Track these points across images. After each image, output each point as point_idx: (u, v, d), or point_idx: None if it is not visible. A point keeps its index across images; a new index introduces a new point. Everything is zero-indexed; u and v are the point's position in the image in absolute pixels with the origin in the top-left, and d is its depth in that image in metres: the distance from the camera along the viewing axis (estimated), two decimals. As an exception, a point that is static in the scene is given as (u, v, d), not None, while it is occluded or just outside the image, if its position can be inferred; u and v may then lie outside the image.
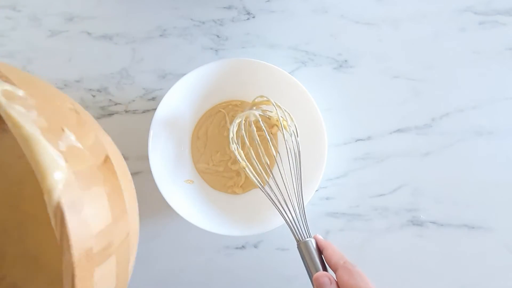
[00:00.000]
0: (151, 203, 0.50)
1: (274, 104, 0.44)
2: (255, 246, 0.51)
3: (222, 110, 0.50)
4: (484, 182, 0.51)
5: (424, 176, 0.51)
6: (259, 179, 0.43)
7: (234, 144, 0.43)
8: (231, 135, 0.43)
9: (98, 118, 0.52)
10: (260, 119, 0.44)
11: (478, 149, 0.51)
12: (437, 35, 0.53)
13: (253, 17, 0.53)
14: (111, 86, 0.52)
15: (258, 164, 0.44)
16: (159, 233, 0.51)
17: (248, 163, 0.44)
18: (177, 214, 0.45)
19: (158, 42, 0.53)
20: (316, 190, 0.49)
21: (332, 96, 0.52)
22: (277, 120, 0.46)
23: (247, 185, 0.49)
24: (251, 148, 0.44)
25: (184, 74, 0.46)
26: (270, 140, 0.43)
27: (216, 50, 0.53)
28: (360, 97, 0.52)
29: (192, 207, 0.47)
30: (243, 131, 0.44)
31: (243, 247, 0.51)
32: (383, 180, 0.51)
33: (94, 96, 0.52)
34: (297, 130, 0.44)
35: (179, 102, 0.48)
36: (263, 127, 0.44)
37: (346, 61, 0.53)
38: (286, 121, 0.44)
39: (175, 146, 0.49)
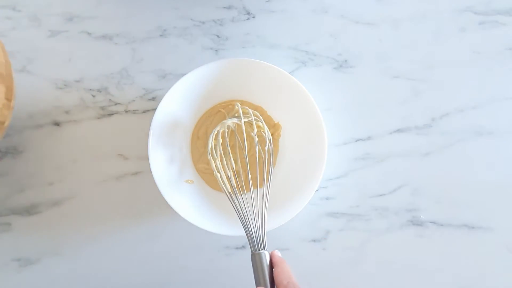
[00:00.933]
0: (151, 203, 0.50)
1: (241, 111, 0.46)
2: None
3: (222, 110, 0.50)
4: (484, 182, 0.51)
5: (424, 176, 0.52)
6: (227, 188, 0.44)
7: (209, 155, 0.45)
8: (208, 146, 0.45)
9: (98, 118, 0.52)
10: (225, 129, 0.46)
11: (478, 149, 0.52)
12: (437, 35, 0.53)
13: (253, 17, 0.54)
14: (111, 86, 0.52)
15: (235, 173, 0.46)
16: (159, 233, 0.51)
17: (219, 173, 0.45)
18: (177, 214, 0.45)
19: (158, 42, 0.53)
20: (316, 190, 0.49)
21: (332, 96, 0.53)
22: (250, 126, 0.48)
23: (247, 186, 0.49)
24: (217, 159, 0.46)
25: (184, 74, 0.47)
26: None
27: (216, 50, 0.53)
28: (360, 97, 0.53)
29: (192, 207, 0.47)
30: (212, 143, 0.45)
31: (243, 247, 0.51)
32: (383, 180, 0.52)
33: (94, 96, 0.52)
34: (267, 133, 0.46)
35: (179, 102, 0.48)
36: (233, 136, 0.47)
37: (346, 61, 0.53)
38: (253, 129, 0.46)
39: (175, 146, 0.49)
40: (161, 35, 0.53)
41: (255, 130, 0.46)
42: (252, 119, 0.46)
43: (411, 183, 0.51)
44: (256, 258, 0.39)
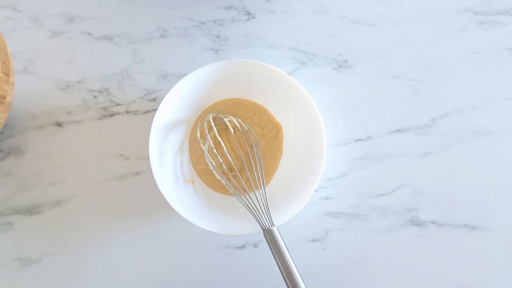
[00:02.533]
0: (152, 203, 0.51)
1: (211, 118, 0.49)
2: (255, 246, 0.52)
3: (220, 107, 0.51)
4: (484, 182, 0.52)
5: (424, 176, 0.52)
6: (229, 184, 0.48)
7: (207, 158, 0.48)
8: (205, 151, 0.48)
9: (99, 118, 0.53)
10: (211, 145, 0.49)
11: (478, 149, 0.52)
12: (437, 35, 0.54)
13: (253, 17, 0.55)
14: (112, 87, 0.53)
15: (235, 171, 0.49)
16: (160, 233, 0.51)
17: (220, 174, 0.48)
18: (177, 214, 0.45)
19: (159, 42, 0.54)
20: (316, 190, 0.51)
21: (331, 97, 0.53)
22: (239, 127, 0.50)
23: (248, 187, 0.50)
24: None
25: (185, 75, 0.47)
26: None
27: (216, 51, 0.54)
28: (360, 97, 0.53)
29: (192, 207, 0.48)
30: (206, 151, 0.48)
31: (243, 247, 0.51)
32: (383, 180, 0.52)
33: (95, 97, 0.53)
34: (248, 127, 0.50)
35: (180, 103, 0.49)
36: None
37: (345, 61, 0.54)
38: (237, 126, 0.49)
39: (176, 146, 0.50)
40: (161, 36, 0.54)
41: (230, 127, 0.48)
42: (225, 120, 0.48)
43: (410, 183, 0.52)
44: (267, 235, 0.43)
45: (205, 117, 0.49)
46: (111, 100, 0.54)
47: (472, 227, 0.52)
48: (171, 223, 0.52)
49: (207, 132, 0.48)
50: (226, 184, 0.48)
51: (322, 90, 0.54)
